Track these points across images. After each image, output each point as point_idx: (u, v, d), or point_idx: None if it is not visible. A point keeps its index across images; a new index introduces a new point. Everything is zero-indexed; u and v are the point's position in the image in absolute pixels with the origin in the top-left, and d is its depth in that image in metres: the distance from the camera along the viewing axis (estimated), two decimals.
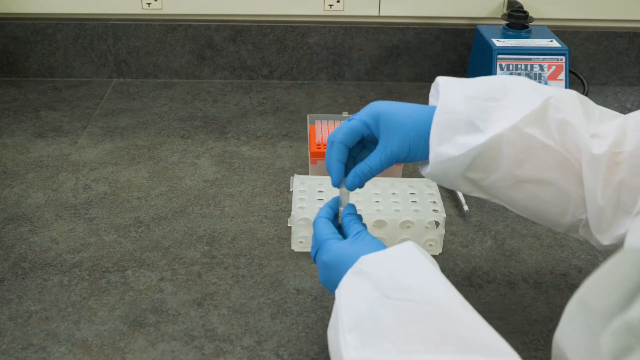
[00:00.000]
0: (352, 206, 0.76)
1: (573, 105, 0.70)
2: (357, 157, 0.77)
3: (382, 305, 0.60)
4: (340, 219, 0.76)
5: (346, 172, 0.76)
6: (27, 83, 1.38)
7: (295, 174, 0.98)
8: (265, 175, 1.09)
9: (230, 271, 0.88)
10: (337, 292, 0.66)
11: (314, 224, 0.75)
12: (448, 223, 0.96)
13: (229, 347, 0.76)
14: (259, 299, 0.83)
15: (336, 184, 0.75)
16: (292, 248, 0.92)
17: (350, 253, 0.68)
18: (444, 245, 0.93)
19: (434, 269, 0.63)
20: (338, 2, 1.37)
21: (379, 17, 1.39)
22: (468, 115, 0.71)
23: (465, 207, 1.00)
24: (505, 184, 0.72)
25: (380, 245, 0.69)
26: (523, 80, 0.75)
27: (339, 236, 0.72)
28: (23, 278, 0.86)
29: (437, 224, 0.90)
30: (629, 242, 0.42)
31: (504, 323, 0.81)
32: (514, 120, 0.70)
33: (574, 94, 0.72)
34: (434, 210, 0.91)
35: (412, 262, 0.64)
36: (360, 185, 0.75)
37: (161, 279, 0.86)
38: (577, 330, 0.46)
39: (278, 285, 0.86)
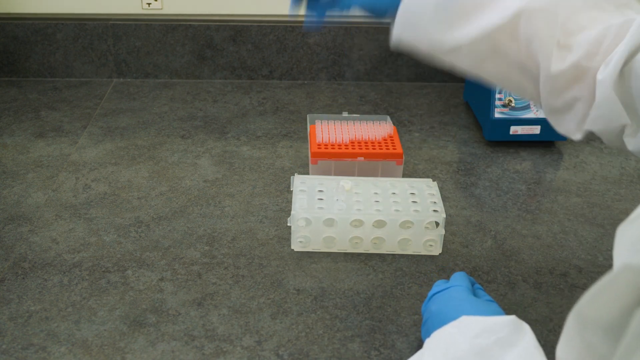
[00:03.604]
0: None
1: (547, 16, 0.68)
2: None
3: None
4: None
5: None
6: (27, 83, 1.38)
7: (295, 174, 0.98)
8: (265, 175, 1.09)
9: (230, 271, 0.88)
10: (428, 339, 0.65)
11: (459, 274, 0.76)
12: (448, 223, 0.96)
13: (229, 347, 0.76)
14: (259, 299, 0.83)
15: None
16: (292, 248, 0.92)
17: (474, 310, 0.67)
18: (444, 245, 0.93)
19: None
20: None
21: None
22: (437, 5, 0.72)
23: None
24: (474, 74, 0.75)
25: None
26: None
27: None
28: (23, 278, 0.86)
29: (437, 224, 0.90)
30: (621, 259, 0.41)
31: None
32: (485, 29, 0.69)
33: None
34: (434, 210, 0.91)
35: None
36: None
37: (161, 279, 0.86)
38: (575, 344, 0.46)
39: (278, 285, 0.86)
